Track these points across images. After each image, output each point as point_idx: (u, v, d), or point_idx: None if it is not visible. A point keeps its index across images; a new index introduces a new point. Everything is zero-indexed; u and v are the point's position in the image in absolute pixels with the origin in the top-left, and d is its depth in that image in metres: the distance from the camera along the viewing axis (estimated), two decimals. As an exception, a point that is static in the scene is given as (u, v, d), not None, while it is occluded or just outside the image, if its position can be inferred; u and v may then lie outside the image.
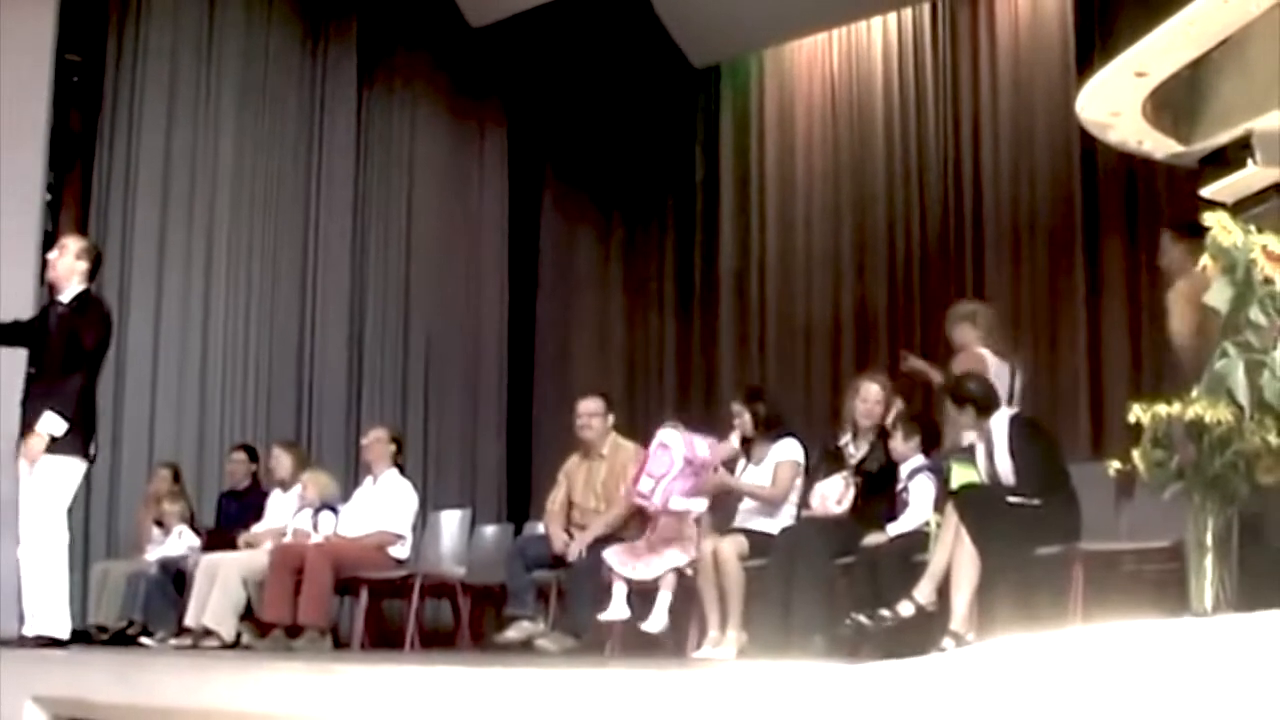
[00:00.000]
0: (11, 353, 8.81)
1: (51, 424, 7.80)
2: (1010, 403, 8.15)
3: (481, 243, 15.10)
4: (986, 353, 8.55)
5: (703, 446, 8.12)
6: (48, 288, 8.70)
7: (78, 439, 7.99)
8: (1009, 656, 2.65)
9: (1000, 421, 7.28)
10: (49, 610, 7.94)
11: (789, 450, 8.45)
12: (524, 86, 15.22)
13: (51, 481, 7.91)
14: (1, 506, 10.11)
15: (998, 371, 8.39)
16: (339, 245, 13.84)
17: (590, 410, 9.25)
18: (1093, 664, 2.49)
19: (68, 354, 8.04)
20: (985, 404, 7.53)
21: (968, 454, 7.58)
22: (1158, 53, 5.00)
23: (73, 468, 8.00)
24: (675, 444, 8.02)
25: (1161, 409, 4.64)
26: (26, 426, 7.92)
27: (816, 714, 3.00)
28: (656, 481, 7.94)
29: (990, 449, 7.30)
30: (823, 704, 3.01)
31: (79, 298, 8.27)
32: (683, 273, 15.09)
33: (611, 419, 9.27)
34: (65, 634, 8.01)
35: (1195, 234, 4.64)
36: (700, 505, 8.01)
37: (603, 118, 15.26)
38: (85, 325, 8.14)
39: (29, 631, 7.91)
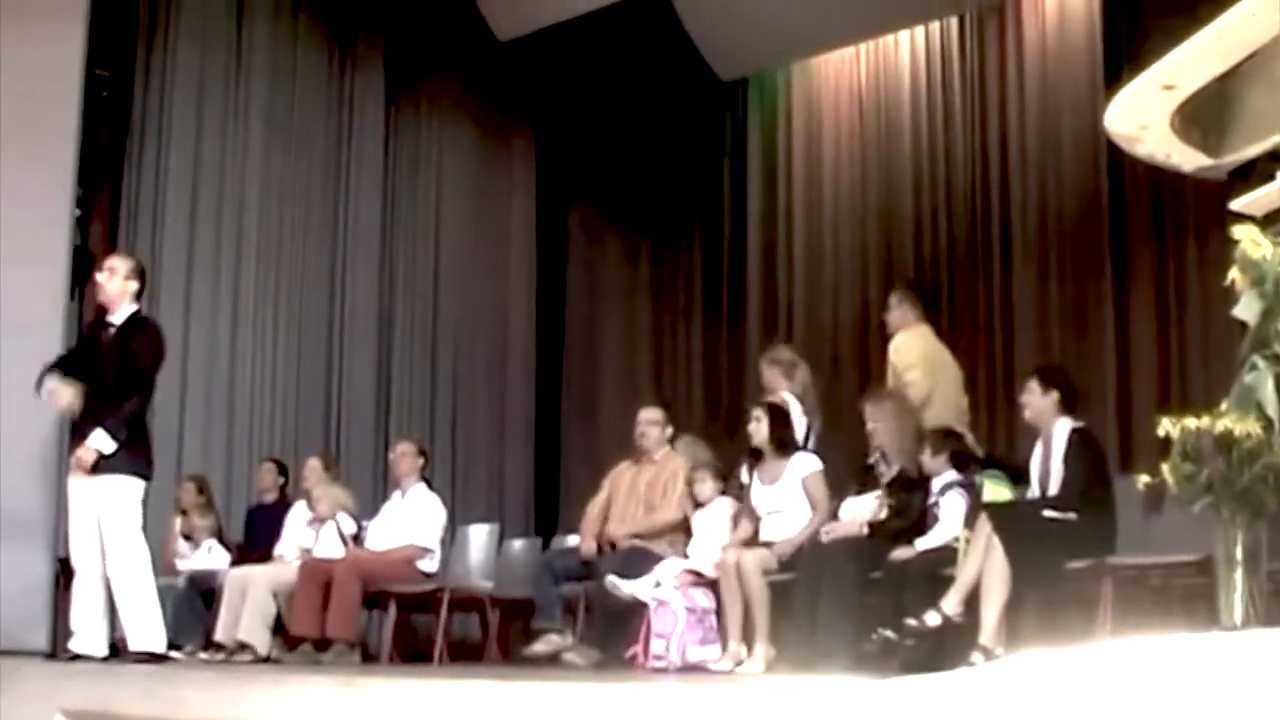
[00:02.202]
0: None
1: (101, 440, 7.90)
2: (806, 441, 9.03)
3: (509, 259, 15.13)
4: (791, 399, 9.18)
5: (700, 596, 8.10)
6: (95, 309, 8.72)
7: (138, 458, 8.13)
8: (1039, 671, 2.64)
9: (1062, 430, 7.24)
10: (146, 626, 8.10)
11: (811, 463, 8.44)
12: (551, 103, 15.26)
13: (121, 502, 8.04)
14: (33, 522, 10.19)
15: (798, 419, 9.09)
16: (367, 261, 13.89)
17: (649, 419, 9.26)
18: (1122, 679, 2.49)
19: (123, 376, 8.11)
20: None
21: (999, 470, 7.56)
22: (1186, 66, 5.00)
23: (135, 487, 8.11)
24: (673, 599, 8.03)
25: (1190, 422, 4.64)
26: (79, 445, 8.03)
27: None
28: (667, 640, 7.95)
29: (1047, 455, 7.27)
30: (852, 719, 3.00)
31: (132, 319, 8.34)
32: (710, 287, 15.09)
33: (670, 430, 9.26)
34: (162, 648, 8.21)
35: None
36: (715, 653, 7.97)
37: (630, 133, 15.27)
38: (141, 347, 8.23)
39: (133, 648, 8.04)
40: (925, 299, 10.26)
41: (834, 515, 8.18)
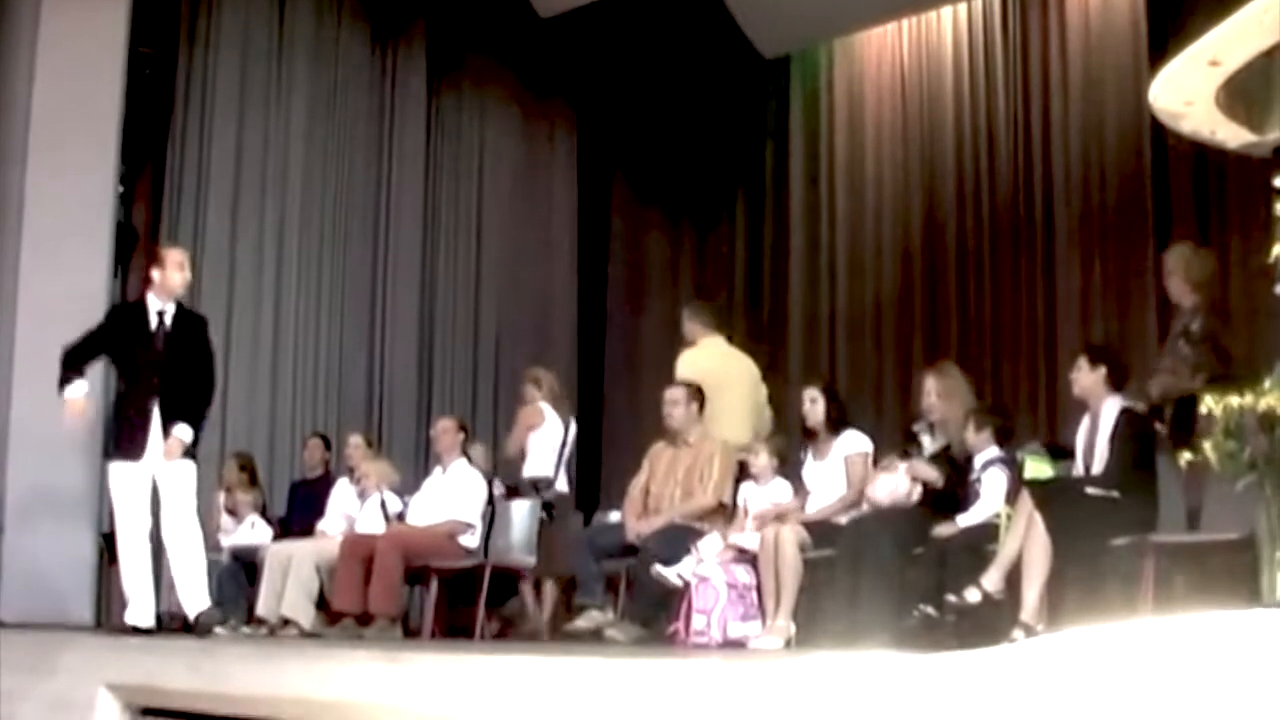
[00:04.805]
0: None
1: (187, 433, 8.24)
2: (561, 455, 10.39)
3: (551, 239, 15.17)
4: (547, 407, 10.51)
5: (742, 572, 8.10)
6: (140, 293, 8.84)
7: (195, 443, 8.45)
8: (1080, 648, 2.64)
9: (1111, 410, 7.21)
10: (200, 592, 8.36)
11: (858, 442, 8.42)
12: (593, 82, 15.27)
13: (187, 483, 8.34)
14: (78, 498, 10.27)
15: (553, 427, 10.47)
16: (410, 241, 13.95)
17: (671, 398, 9.21)
18: (1164, 656, 2.49)
19: (188, 365, 8.44)
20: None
21: (1042, 448, 7.55)
22: (1231, 42, 4.96)
23: (193, 468, 8.41)
24: (715, 575, 8.02)
25: (1233, 400, 4.62)
26: (139, 429, 8.27)
27: (888, 705, 3.00)
28: (708, 616, 7.95)
29: (1093, 433, 7.25)
30: (893, 695, 3.01)
31: (190, 313, 8.72)
32: (752, 267, 15.09)
33: (695, 407, 9.20)
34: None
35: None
36: (755, 629, 7.97)
37: (672, 111, 15.26)
38: (206, 339, 8.67)
39: (194, 615, 8.30)
40: (717, 308, 10.79)
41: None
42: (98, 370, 9.10)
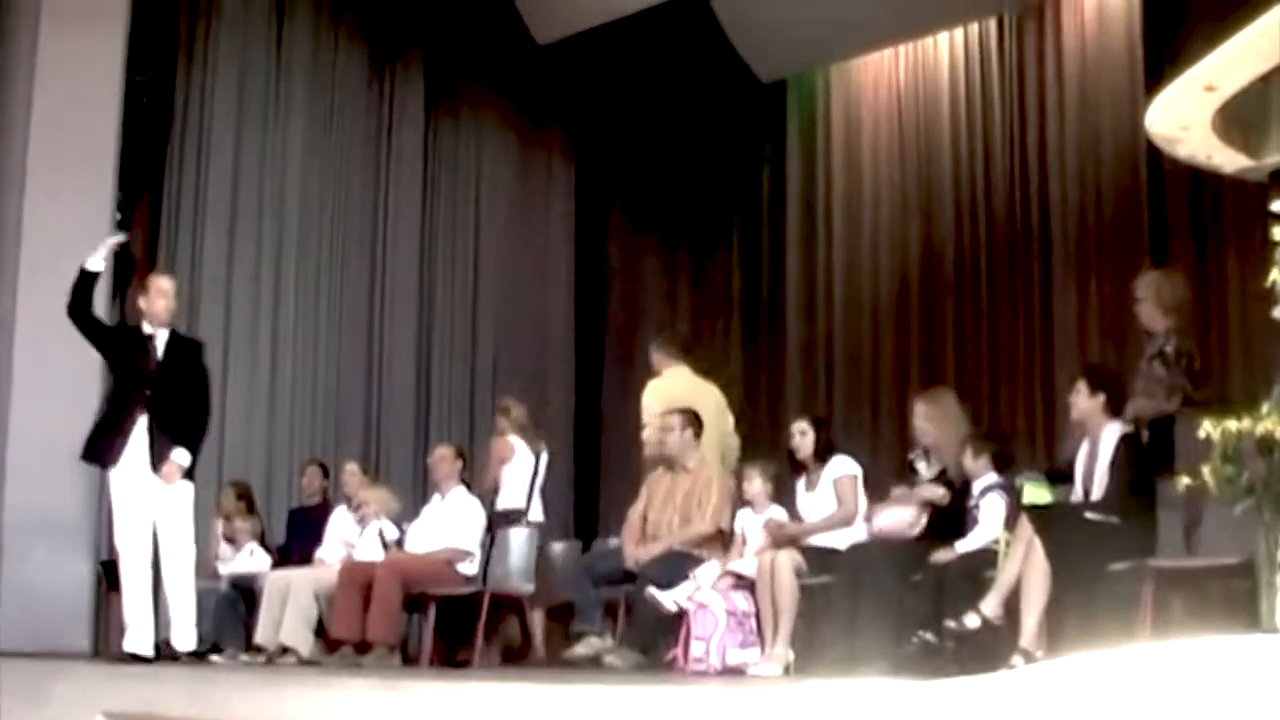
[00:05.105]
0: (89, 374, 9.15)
1: (185, 457, 8.43)
2: (533, 486, 10.43)
3: (548, 265, 15.18)
4: (517, 440, 10.54)
5: (740, 599, 8.10)
6: (134, 321, 9.02)
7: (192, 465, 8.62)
8: (1079, 674, 2.64)
9: (1111, 435, 7.21)
10: (190, 625, 8.58)
11: (844, 466, 8.43)
12: (590, 107, 15.29)
13: (184, 506, 8.54)
14: (74, 525, 10.27)
15: (523, 458, 10.49)
16: (406, 267, 13.96)
17: (666, 424, 9.22)
18: (1163, 681, 2.49)
19: (182, 390, 8.63)
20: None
21: (1040, 474, 7.55)
22: (1227, 67, 4.97)
23: (191, 490, 8.61)
24: (713, 601, 8.02)
25: (1231, 424, 4.62)
26: (118, 437, 8.44)
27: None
28: (706, 642, 7.95)
29: (1093, 458, 7.24)
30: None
31: (183, 338, 8.99)
32: (749, 295, 15.09)
33: (689, 433, 9.19)
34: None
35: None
36: (754, 656, 7.97)
37: (669, 137, 15.27)
38: (200, 363, 8.93)
39: (183, 648, 8.50)
40: (684, 341, 10.87)
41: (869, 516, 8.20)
42: (95, 388, 9.23)
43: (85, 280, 8.57)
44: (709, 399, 9.77)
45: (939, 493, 7.85)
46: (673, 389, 9.71)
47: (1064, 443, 7.91)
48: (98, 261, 8.60)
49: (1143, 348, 7.70)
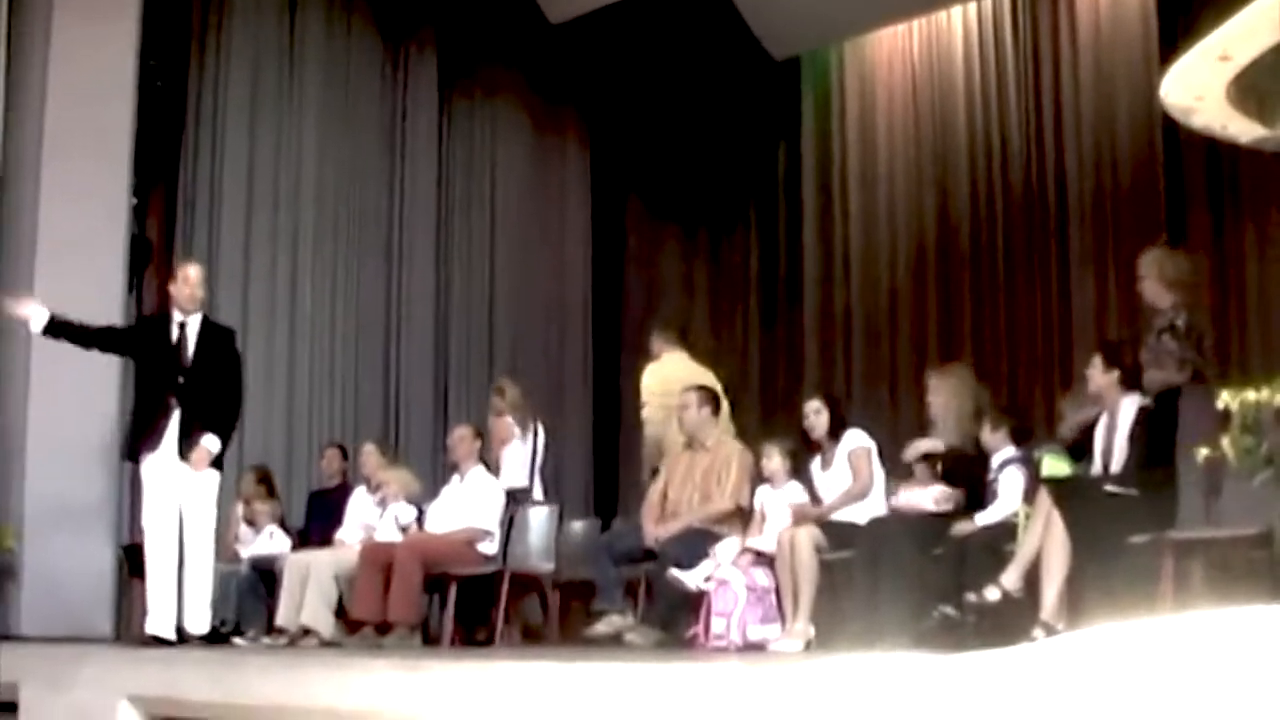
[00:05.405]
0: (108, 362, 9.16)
1: (214, 444, 8.51)
2: (533, 463, 10.62)
3: (565, 247, 15.19)
4: (510, 421, 10.71)
5: (761, 575, 8.11)
6: (158, 307, 9.07)
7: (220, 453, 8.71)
8: (1101, 646, 2.64)
9: (1129, 408, 7.21)
10: (207, 609, 8.67)
11: (857, 439, 8.44)
12: (604, 88, 15.27)
13: (209, 493, 8.63)
14: (97, 510, 10.29)
15: (520, 438, 10.68)
16: (423, 251, 13.97)
17: (682, 402, 9.24)
18: (1184, 653, 2.48)
19: (214, 376, 8.68)
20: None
21: (1059, 446, 7.54)
22: (1242, 36, 4.95)
23: (217, 478, 8.72)
24: (734, 578, 8.03)
25: (1250, 395, 4.61)
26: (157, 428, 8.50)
27: (909, 706, 3.00)
28: (727, 619, 7.96)
29: (1111, 431, 7.24)
30: (914, 696, 3.00)
31: (216, 325, 9.02)
32: (767, 274, 15.08)
33: (707, 410, 9.19)
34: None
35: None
36: (775, 631, 7.97)
37: (683, 116, 15.25)
38: (234, 349, 9.05)
39: (197, 631, 8.56)
40: (682, 327, 11.18)
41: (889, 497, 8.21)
42: (114, 374, 9.22)
43: (59, 331, 8.59)
44: (703, 380, 9.80)
45: (950, 506, 7.85)
46: (671, 373, 9.91)
47: (1070, 414, 7.89)
48: (37, 324, 8.54)
49: (1151, 322, 7.69)
